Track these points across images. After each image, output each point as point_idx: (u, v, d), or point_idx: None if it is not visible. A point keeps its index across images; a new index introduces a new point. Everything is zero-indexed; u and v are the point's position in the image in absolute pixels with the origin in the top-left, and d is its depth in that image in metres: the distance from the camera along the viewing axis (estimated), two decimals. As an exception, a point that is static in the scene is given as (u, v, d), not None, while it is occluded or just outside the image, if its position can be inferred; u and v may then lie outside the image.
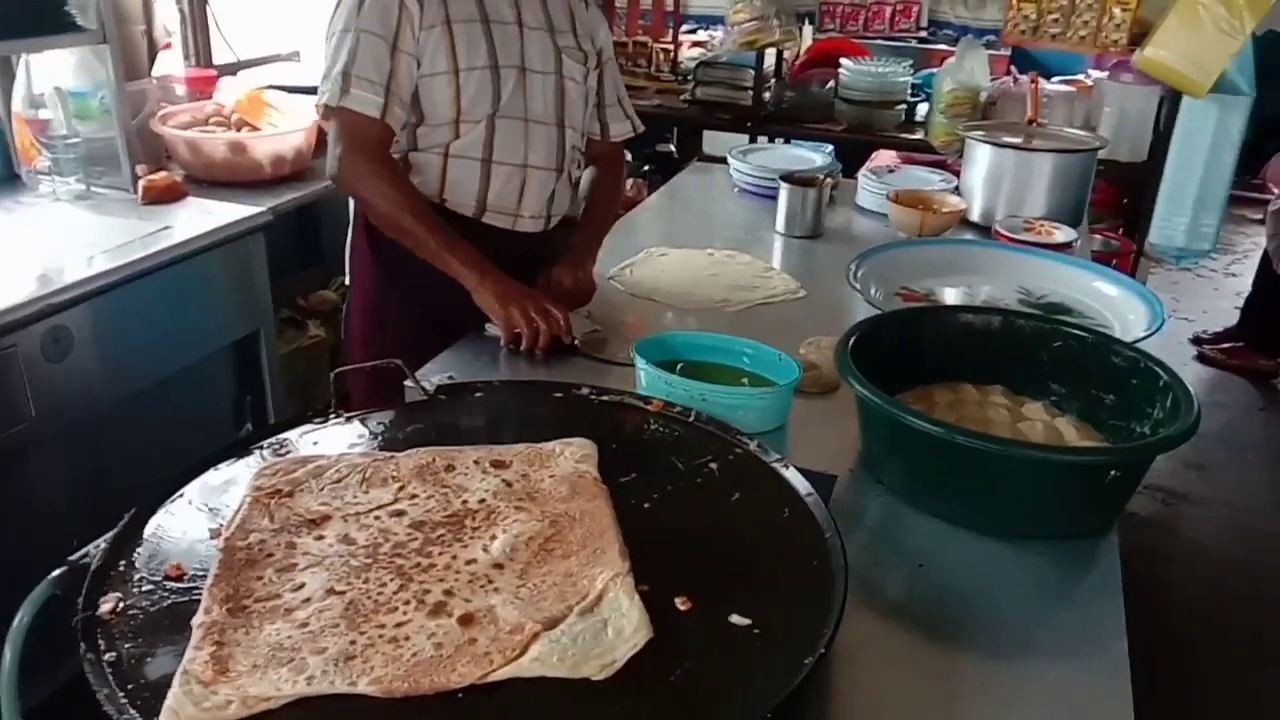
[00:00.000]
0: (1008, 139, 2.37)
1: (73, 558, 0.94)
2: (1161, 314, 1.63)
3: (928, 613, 1.06)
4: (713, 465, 1.14)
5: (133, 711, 0.75)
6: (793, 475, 1.11)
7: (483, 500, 1.03)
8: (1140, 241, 3.46)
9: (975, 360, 1.40)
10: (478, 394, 1.29)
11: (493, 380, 1.34)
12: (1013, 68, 3.55)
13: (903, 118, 3.63)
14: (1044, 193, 2.29)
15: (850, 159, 2.82)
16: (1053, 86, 3.24)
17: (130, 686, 0.78)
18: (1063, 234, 2.12)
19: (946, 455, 1.14)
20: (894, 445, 1.23)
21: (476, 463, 1.09)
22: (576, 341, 1.57)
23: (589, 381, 1.33)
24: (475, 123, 1.67)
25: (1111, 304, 1.76)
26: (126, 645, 0.83)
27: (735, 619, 0.89)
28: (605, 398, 1.29)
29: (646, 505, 1.07)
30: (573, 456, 1.12)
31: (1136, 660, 0.99)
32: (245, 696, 0.77)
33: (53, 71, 2.35)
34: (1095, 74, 3.45)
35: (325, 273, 3.21)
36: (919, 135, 3.50)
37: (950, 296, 1.86)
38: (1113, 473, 1.12)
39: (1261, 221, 4.52)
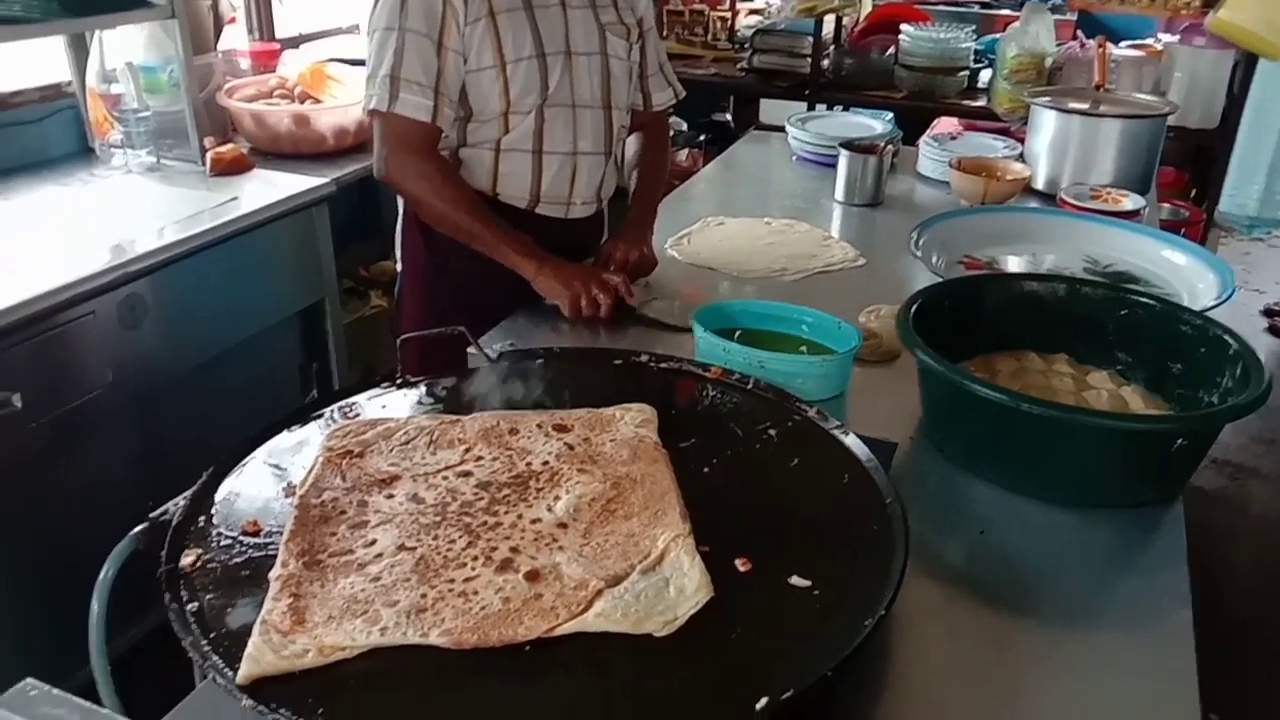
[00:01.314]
0: (1074, 105, 2.32)
1: (154, 514, 0.98)
2: (1231, 283, 1.59)
3: (988, 579, 1.06)
4: (771, 431, 1.15)
5: (215, 658, 0.79)
6: (852, 441, 1.11)
7: (546, 462, 1.05)
8: (1210, 210, 3.36)
9: (1039, 329, 1.39)
10: (539, 360, 1.31)
11: (553, 347, 1.36)
12: (1079, 32, 3.46)
13: (965, 84, 3.57)
14: (1111, 160, 2.24)
15: (911, 127, 2.77)
16: (1121, 51, 3.16)
17: (212, 635, 0.82)
18: (1130, 202, 2.07)
19: (1009, 423, 1.13)
20: (955, 413, 1.22)
21: (539, 426, 1.11)
22: (637, 308, 1.58)
23: (648, 349, 1.34)
24: (524, 114, 1.64)
25: (1179, 273, 1.72)
26: (208, 596, 0.86)
27: (795, 581, 0.90)
28: (664, 365, 1.30)
29: (706, 470, 1.08)
30: (633, 421, 1.13)
31: (1200, 639, 0.98)
32: (321, 646, 0.80)
33: (124, 47, 2.41)
34: (1166, 38, 3.35)
35: (385, 244, 3.25)
36: (982, 102, 3.44)
37: (1014, 265, 1.84)
38: (1179, 441, 1.10)
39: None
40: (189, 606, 0.85)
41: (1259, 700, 2.31)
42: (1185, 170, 3.59)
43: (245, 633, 0.81)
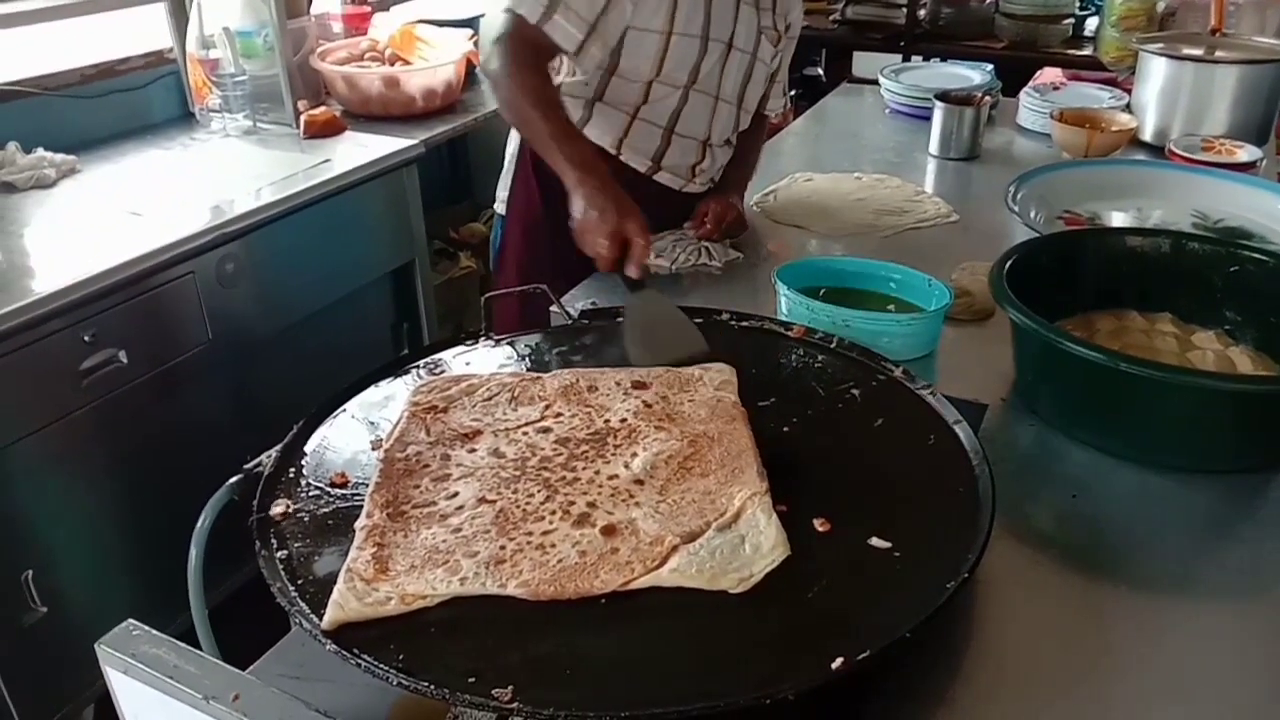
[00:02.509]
0: (1187, 50, 2.20)
1: (248, 466, 1.01)
2: (1356, 238, 1.50)
3: (1080, 545, 1.02)
4: (855, 391, 1.13)
5: (302, 604, 0.81)
6: (939, 402, 1.08)
7: (624, 420, 1.05)
8: (1337, 162, 3.16)
9: (1142, 287, 1.33)
10: (620, 320, 1.31)
11: (635, 305, 1.35)
12: (1196, -26, 3.27)
13: (1069, 33, 3.42)
14: (1226, 109, 2.12)
15: (1011, 79, 2.67)
16: (1242, -8, 2.97)
17: (300, 582, 0.84)
18: (1246, 153, 1.96)
19: (1106, 383, 1.08)
20: (1050, 373, 1.18)
21: (618, 384, 1.11)
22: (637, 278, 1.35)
23: (730, 307, 1.33)
24: (672, 88, 1.62)
25: (1298, 228, 1.63)
26: (296, 544, 0.89)
27: (875, 542, 0.88)
28: (745, 323, 1.28)
29: (785, 429, 1.07)
30: (712, 382, 1.12)
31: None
32: (403, 594, 0.81)
33: (222, 13, 2.47)
34: (1293, -23, 3.14)
35: (475, 206, 3.29)
36: (1087, 51, 3.30)
37: (1117, 221, 1.76)
38: (1292, 404, 1.04)
39: None
40: (278, 554, 0.87)
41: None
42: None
43: (331, 580, 0.83)
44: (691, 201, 1.76)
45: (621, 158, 1.68)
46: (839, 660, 0.74)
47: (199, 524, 1.00)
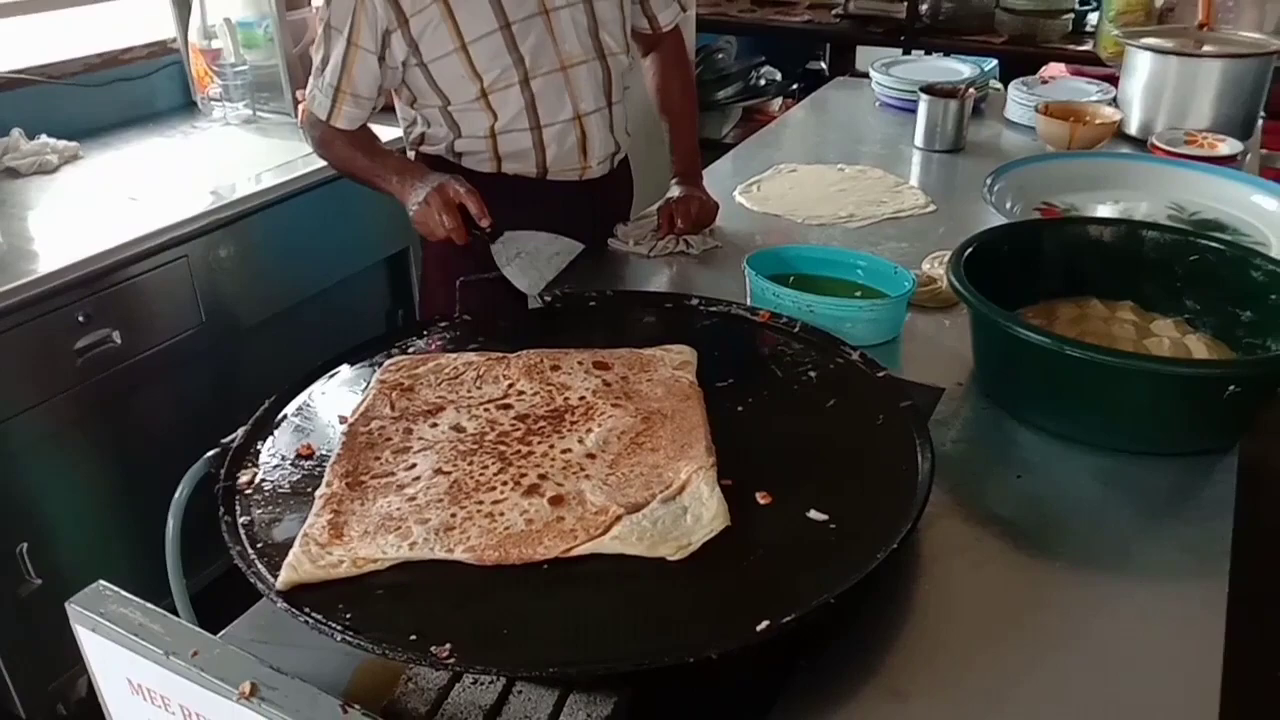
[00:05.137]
0: (1172, 45, 2.21)
1: (225, 440, 1.05)
2: (1324, 229, 1.52)
3: (1024, 524, 1.05)
4: (811, 374, 1.16)
5: (259, 565, 0.85)
6: (891, 384, 1.11)
7: (582, 397, 1.08)
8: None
9: (1105, 275, 1.35)
10: (591, 303, 1.35)
11: (607, 290, 1.39)
12: (1196, -31, 3.27)
13: (1069, 28, 3.43)
14: (1210, 103, 2.13)
15: (1016, 74, 2.67)
16: (1241, -12, 2.97)
17: (259, 545, 0.88)
18: (1227, 146, 1.98)
19: (1054, 368, 1.11)
20: (1002, 357, 1.21)
21: (580, 363, 1.15)
22: (485, 231, 1.42)
23: (706, 293, 1.36)
24: (508, 89, 1.53)
25: (1271, 219, 1.64)
26: (258, 511, 0.93)
27: (813, 514, 0.91)
28: (713, 308, 1.31)
29: (740, 409, 1.10)
30: (672, 363, 1.16)
31: (1242, 594, 0.95)
32: (355, 557, 0.85)
33: (223, 3, 2.51)
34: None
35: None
36: (1087, 46, 3.30)
37: (1097, 213, 1.78)
38: (1231, 388, 1.06)
39: None
40: (241, 520, 0.91)
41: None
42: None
43: (289, 545, 0.87)
44: (593, 190, 1.68)
45: (507, 173, 1.63)
46: (764, 623, 0.77)
47: (176, 494, 1.03)
